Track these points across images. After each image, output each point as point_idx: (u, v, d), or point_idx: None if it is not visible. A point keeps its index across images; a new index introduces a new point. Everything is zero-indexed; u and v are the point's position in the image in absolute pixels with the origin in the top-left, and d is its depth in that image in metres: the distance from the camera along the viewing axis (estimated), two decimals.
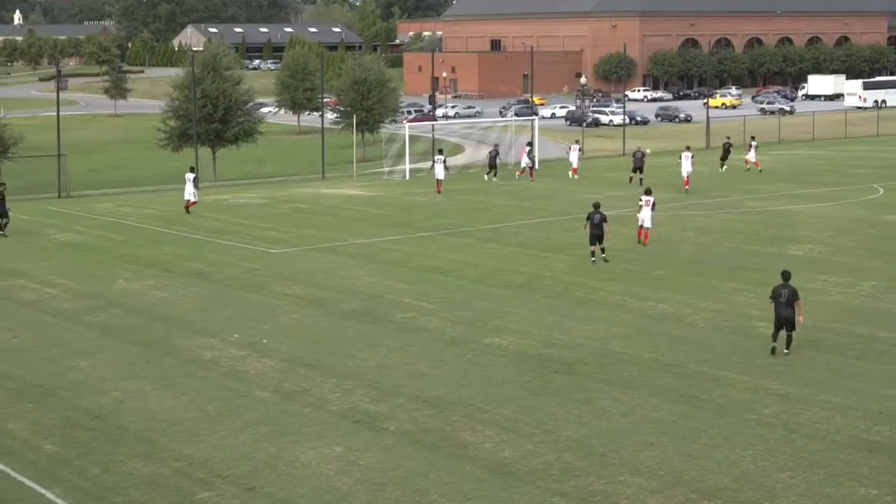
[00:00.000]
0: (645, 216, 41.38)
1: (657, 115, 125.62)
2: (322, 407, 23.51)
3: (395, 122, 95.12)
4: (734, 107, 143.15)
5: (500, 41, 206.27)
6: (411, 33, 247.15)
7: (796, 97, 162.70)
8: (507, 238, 43.81)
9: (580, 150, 67.53)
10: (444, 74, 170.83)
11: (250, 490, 19.28)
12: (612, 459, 20.35)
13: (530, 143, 69.23)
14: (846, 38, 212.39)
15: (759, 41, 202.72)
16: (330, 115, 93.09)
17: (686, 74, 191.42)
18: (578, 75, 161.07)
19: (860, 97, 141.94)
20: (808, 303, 31.89)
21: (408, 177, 67.06)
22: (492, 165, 65.84)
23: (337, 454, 20.82)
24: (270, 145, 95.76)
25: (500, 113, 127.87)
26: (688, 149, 60.35)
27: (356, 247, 42.46)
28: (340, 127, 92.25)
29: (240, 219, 50.23)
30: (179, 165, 75.79)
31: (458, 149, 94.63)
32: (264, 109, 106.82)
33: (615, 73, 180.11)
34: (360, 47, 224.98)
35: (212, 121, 73.41)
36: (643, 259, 38.90)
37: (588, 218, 38.58)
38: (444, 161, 61.10)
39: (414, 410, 23.15)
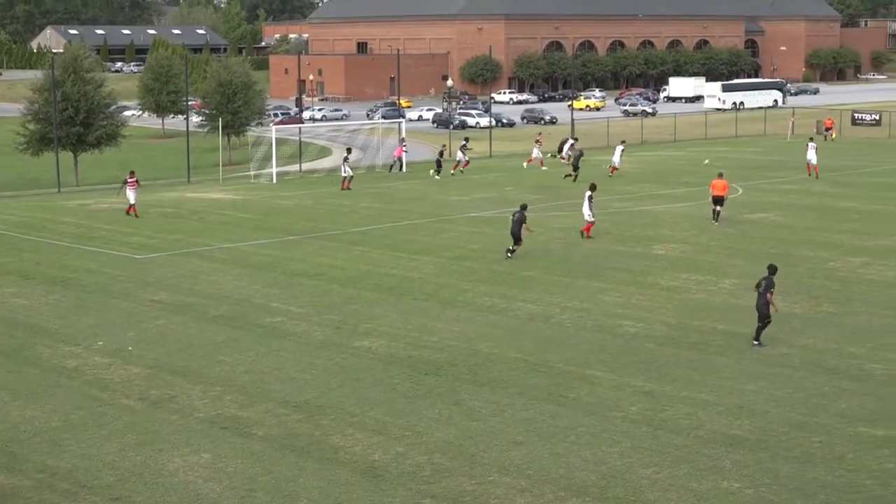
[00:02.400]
0: (585, 210, 43.05)
1: (523, 118, 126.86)
2: (189, 414, 23.22)
3: (262, 124, 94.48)
4: (598, 109, 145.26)
5: (366, 44, 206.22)
6: (277, 36, 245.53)
7: (658, 99, 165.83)
8: (376, 241, 43.78)
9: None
10: (311, 77, 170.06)
11: (116, 500, 18.95)
12: (482, 459, 20.49)
13: (467, 139, 73.08)
14: (705, 42, 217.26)
15: (621, 44, 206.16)
16: (195, 119, 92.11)
17: (551, 77, 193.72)
18: (445, 78, 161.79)
19: (719, 99, 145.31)
20: (672, 301, 32.63)
21: (275, 180, 66.63)
22: (439, 163, 67.57)
23: (205, 461, 20.59)
24: (134, 149, 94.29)
25: (368, 115, 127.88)
26: (623, 143, 69.23)
27: (223, 251, 42.02)
28: (206, 130, 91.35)
29: (103, 224, 49.31)
30: (40, 170, 74.38)
31: (325, 151, 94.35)
32: (128, 113, 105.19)
33: (481, 76, 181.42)
34: (226, 49, 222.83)
35: (73, 124, 72.06)
36: (511, 260, 39.20)
37: (512, 215, 39.79)
38: (346, 159, 61.80)
39: (283, 415, 23.01)
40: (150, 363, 26.96)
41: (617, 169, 65.74)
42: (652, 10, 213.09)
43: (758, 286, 28.03)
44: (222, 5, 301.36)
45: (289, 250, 41.96)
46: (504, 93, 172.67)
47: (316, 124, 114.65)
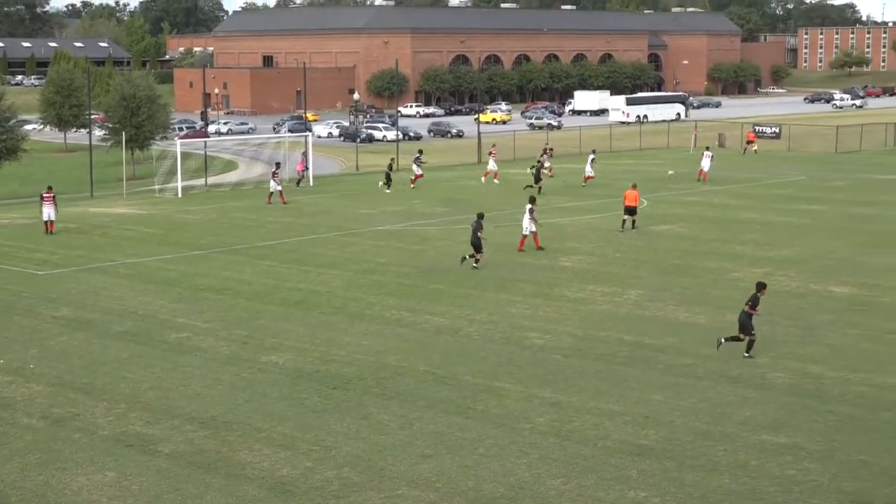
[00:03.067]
0: (525, 223, 43.07)
1: (430, 131, 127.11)
2: (93, 432, 22.87)
3: (167, 138, 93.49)
4: (504, 122, 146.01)
5: (272, 57, 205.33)
6: (182, 49, 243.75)
7: (563, 112, 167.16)
8: (283, 255, 43.55)
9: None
10: (216, 90, 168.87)
11: None
12: (391, 473, 20.45)
13: (421, 151, 72.05)
14: (609, 56, 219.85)
15: (527, 58, 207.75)
16: (98, 132, 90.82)
17: (457, 90, 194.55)
18: (351, 91, 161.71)
19: (624, 112, 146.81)
20: (578, 312, 32.86)
21: (180, 194, 65.97)
22: (388, 176, 66.55)
23: (109, 480, 20.28)
24: (35, 164, 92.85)
25: (274, 129, 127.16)
26: (593, 151, 73.05)
27: (127, 266, 41.50)
28: (109, 144, 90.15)
29: (4, 240, 48.46)
30: None
31: (231, 165, 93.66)
32: (28, 126, 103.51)
33: (388, 89, 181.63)
34: (129, 63, 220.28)
35: None
36: (419, 273, 39.25)
37: (471, 225, 40.75)
38: (275, 174, 61.01)
39: (189, 432, 22.75)
40: (53, 381, 26.50)
41: (591, 178, 67.23)
42: (557, 25, 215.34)
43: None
44: (125, 18, 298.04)
45: (194, 265, 41.57)
46: (411, 106, 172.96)
47: (221, 138, 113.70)
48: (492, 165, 71.09)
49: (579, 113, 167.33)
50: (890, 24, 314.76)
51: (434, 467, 20.68)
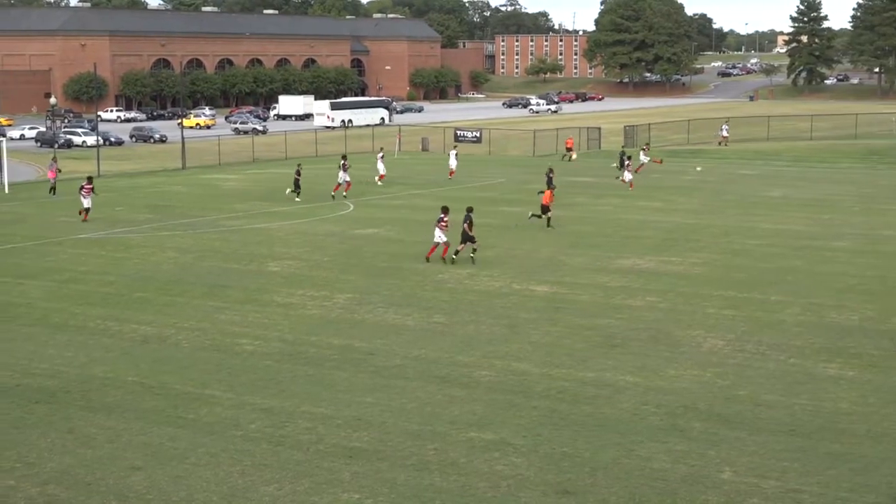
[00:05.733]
0: (437, 233, 42.48)
1: (132, 136, 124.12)
2: None
3: None
4: (209, 127, 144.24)
5: None
6: None
7: (268, 117, 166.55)
8: None
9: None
10: None
11: None
12: (99, 487, 19.90)
13: (345, 156, 66.50)
14: (313, 61, 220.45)
15: (230, 62, 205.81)
16: None
17: (159, 95, 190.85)
18: (48, 95, 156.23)
19: (329, 117, 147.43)
20: (288, 317, 32.85)
21: None
22: (297, 183, 62.55)
23: None
24: None
25: None
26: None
27: None
28: None
29: None
30: None
31: None
32: None
33: (86, 93, 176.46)
34: None
35: None
36: (123, 281, 38.33)
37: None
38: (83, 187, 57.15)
39: None
40: None
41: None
42: (259, 30, 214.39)
43: None
44: None
45: None
46: (111, 111, 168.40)
47: None
48: (342, 177, 66.82)
49: (284, 118, 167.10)
50: (580, 33, 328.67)
51: (144, 479, 20.26)
